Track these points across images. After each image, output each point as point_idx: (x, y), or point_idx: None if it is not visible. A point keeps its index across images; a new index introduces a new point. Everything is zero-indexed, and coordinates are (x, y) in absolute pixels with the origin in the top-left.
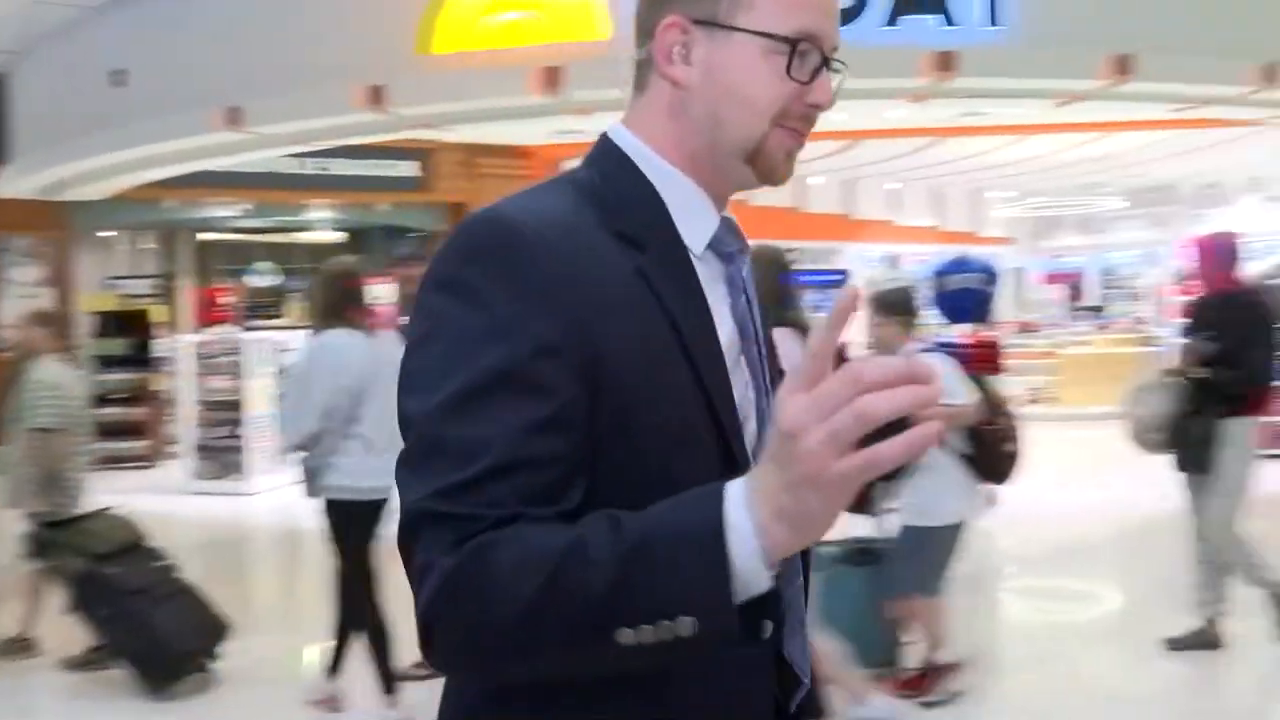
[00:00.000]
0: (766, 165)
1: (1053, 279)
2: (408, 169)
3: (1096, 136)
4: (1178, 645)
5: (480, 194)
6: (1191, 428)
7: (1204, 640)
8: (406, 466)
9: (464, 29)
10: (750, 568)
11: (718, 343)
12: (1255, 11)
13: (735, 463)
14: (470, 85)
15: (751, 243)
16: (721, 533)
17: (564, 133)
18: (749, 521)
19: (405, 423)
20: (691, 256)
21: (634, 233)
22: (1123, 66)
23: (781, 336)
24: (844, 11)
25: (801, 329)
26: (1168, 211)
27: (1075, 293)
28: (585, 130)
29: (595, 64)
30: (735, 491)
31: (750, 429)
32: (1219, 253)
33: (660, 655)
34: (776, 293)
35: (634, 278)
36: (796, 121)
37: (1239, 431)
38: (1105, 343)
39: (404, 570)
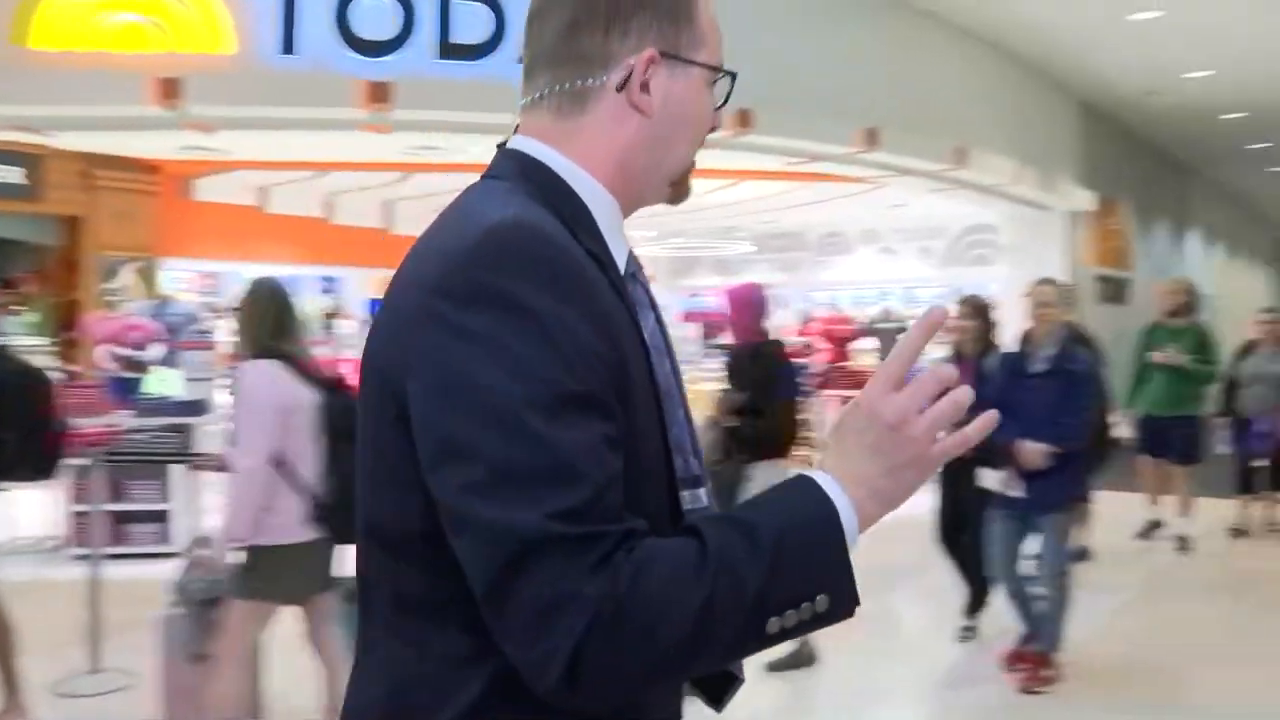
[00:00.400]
0: (685, 185)
1: (689, 317)
2: (13, 175)
3: (730, 183)
4: (776, 666)
5: (97, 208)
6: (723, 473)
7: (799, 659)
8: (488, 496)
9: (72, 25)
10: (853, 543)
11: (664, 360)
12: (862, 79)
13: (674, 478)
14: (77, 88)
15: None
16: (837, 517)
17: (191, 149)
18: (848, 505)
19: (467, 450)
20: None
21: (593, 249)
22: (744, 120)
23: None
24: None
25: (292, 360)
26: (795, 257)
27: (709, 330)
28: (215, 148)
29: (217, 79)
30: (826, 480)
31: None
32: (748, 304)
33: (796, 634)
34: (280, 324)
35: (612, 292)
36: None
37: (765, 477)
38: None
39: (493, 608)
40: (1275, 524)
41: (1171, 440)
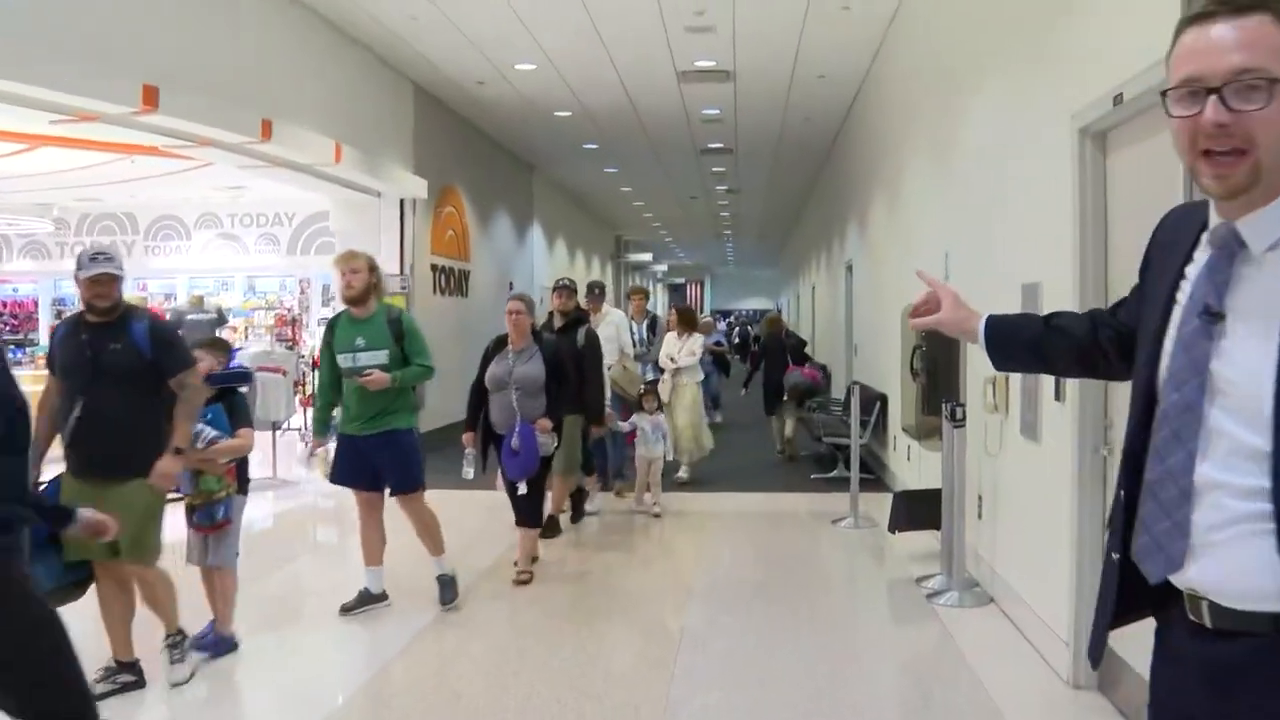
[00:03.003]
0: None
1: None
2: None
3: (23, 148)
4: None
5: None
6: None
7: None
8: None
9: None
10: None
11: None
12: (141, 31)
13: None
14: None
15: None
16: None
17: None
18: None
19: None
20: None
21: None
22: None
23: None
24: None
25: None
26: (123, 241)
27: (19, 323)
28: None
29: None
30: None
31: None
32: None
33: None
34: None
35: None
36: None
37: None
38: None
39: None
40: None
41: None
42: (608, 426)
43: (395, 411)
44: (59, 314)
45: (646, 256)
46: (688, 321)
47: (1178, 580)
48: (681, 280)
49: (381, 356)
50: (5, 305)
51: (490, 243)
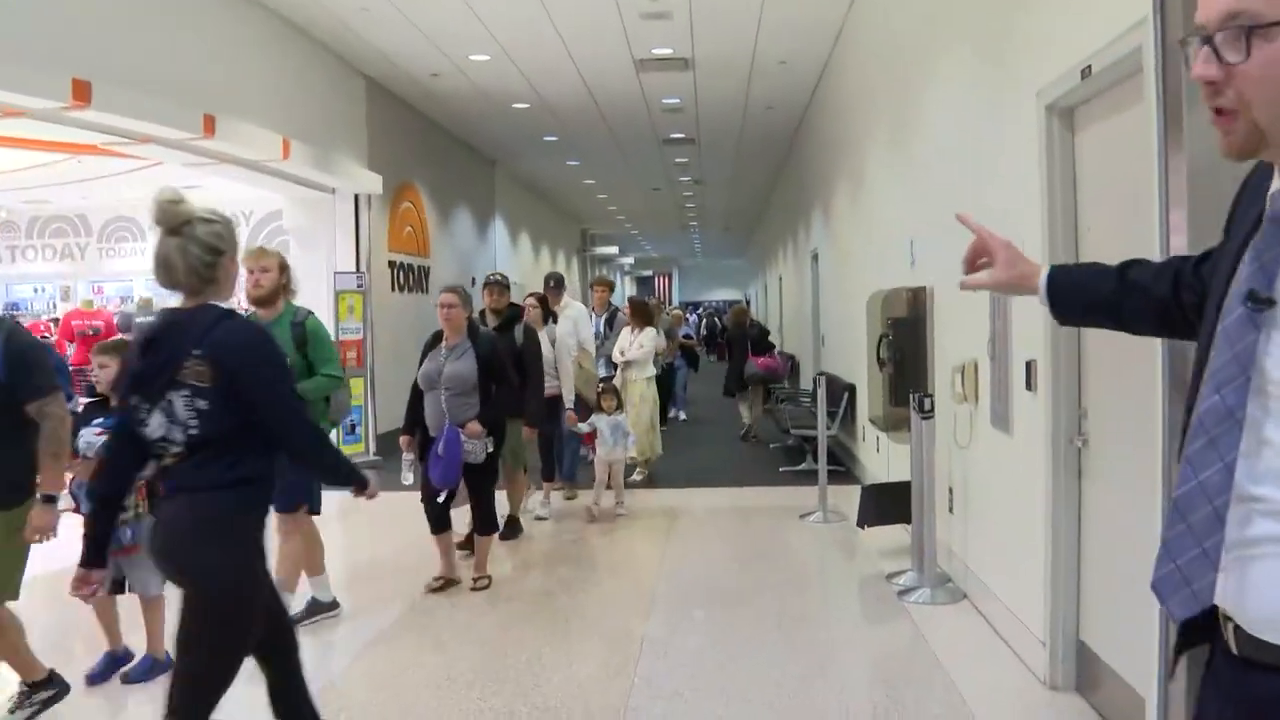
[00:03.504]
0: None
1: None
2: None
3: None
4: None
5: None
6: None
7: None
8: None
9: None
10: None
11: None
12: (68, 25)
13: None
14: None
15: None
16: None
17: None
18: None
19: None
20: None
21: None
22: None
23: None
24: None
25: None
26: (76, 244)
27: None
28: None
29: None
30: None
31: None
32: None
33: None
34: None
35: None
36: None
37: None
38: None
39: None
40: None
41: None
42: (572, 427)
43: None
44: (54, 320)
45: (613, 249)
46: (641, 314)
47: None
48: (649, 273)
49: None
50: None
51: (451, 238)
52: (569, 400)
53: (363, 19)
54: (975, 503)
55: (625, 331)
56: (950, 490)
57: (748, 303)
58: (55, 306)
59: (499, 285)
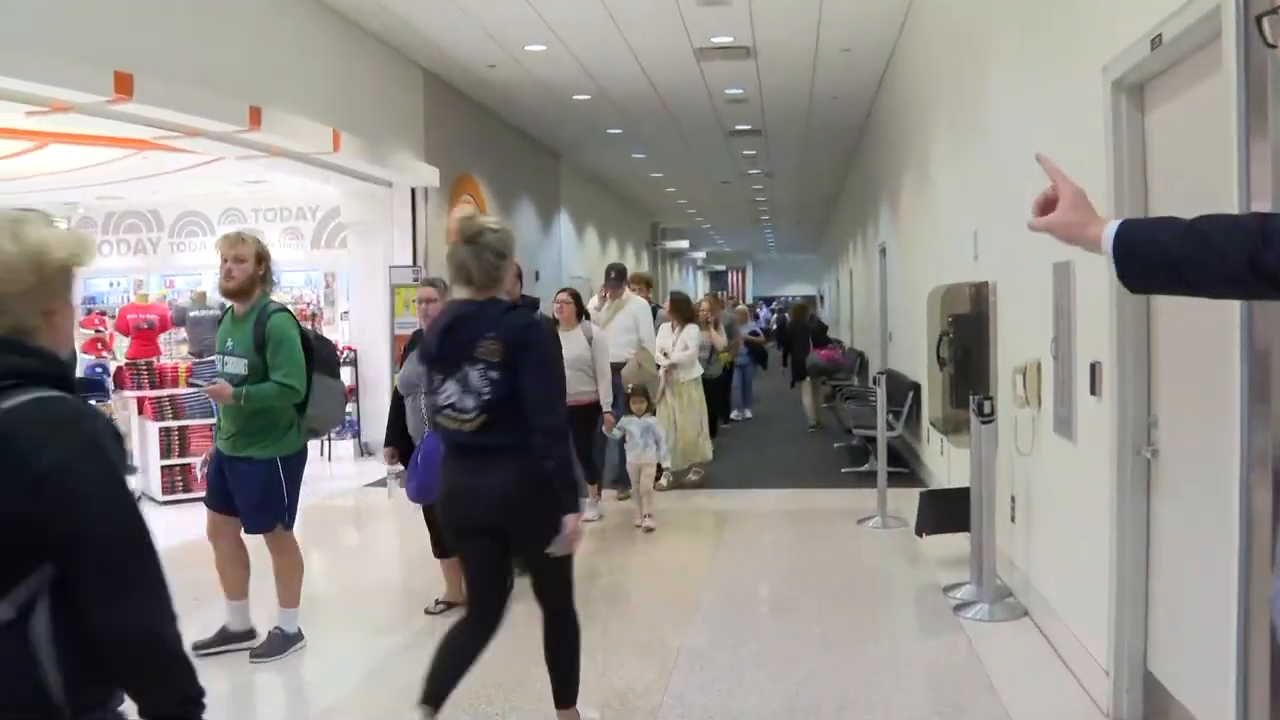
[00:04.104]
0: None
1: None
2: None
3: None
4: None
5: None
6: None
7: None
8: None
9: None
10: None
11: None
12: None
13: None
14: None
15: None
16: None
17: None
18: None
19: None
20: None
21: None
22: None
23: None
24: None
25: None
26: (149, 239)
27: None
28: None
29: None
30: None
31: None
32: None
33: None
34: None
35: None
36: None
37: None
38: None
39: None
40: None
41: None
42: (607, 431)
43: (252, 436)
44: (88, 312)
45: (684, 244)
46: (682, 311)
47: None
48: (722, 267)
49: (241, 365)
50: None
51: (513, 232)
52: (607, 404)
53: (411, 7)
54: (1038, 513)
55: (665, 329)
56: (1012, 499)
57: (821, 298)
58: (129, 300)
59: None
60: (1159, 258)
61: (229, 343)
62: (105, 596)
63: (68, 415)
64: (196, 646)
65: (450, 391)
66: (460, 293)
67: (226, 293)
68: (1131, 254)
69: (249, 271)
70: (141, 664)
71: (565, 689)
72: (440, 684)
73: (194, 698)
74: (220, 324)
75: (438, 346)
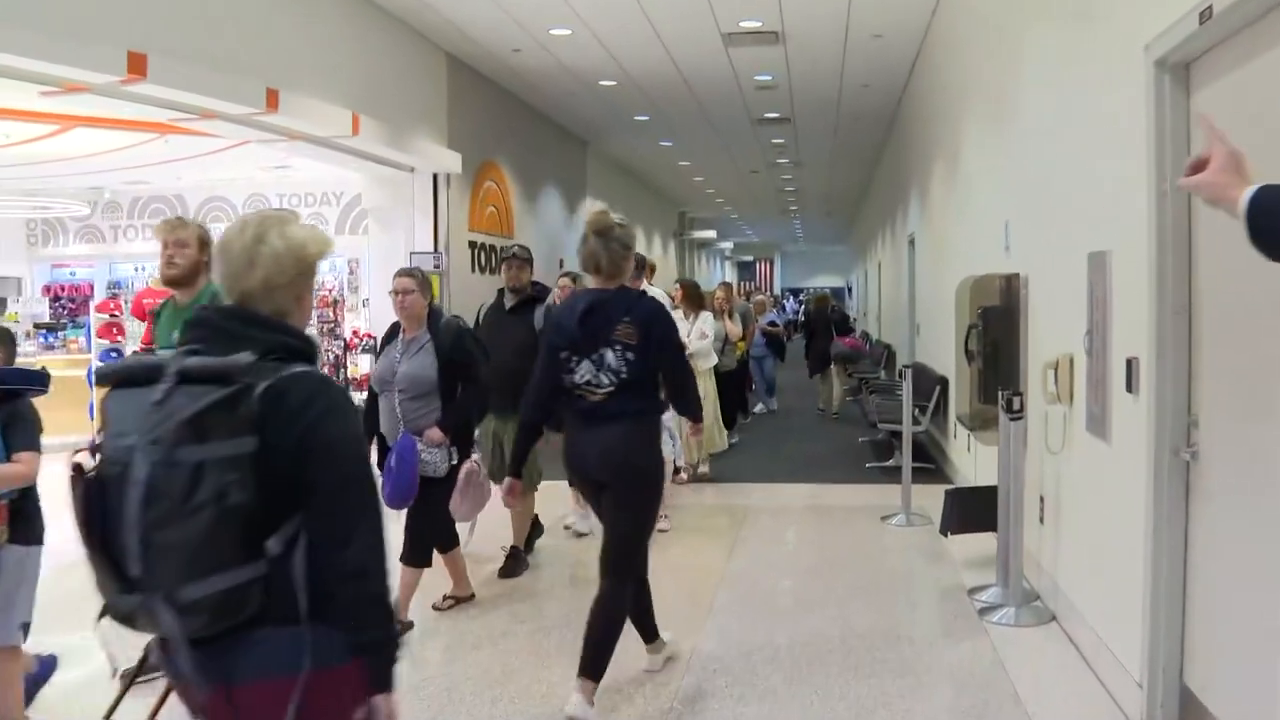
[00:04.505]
0: None
1: (48, 290)
2: None
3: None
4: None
5: None
6: None
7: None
8: None
9: None
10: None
11: None
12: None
13: None
14: None
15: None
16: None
17: None
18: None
19: None
20: None
21: None
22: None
23: None
24: None
25: None
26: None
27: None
28: None
29: None
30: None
31: None
32: None
33: None
34: None
35: None
36: None
37: None
38: (62, 364)
39: None
40: None
41: None
42: None
43: None
44: (113, 297)
45: (711, 234)
46: (694, 299)
47: None
48: (750, 258)
49: None
50: (64, 289)
51: (537, 219)
52: None
53: None
54: (1068, 514)
55: (677, 318)
56: (1041, 499)
57: (849, 290)
58: (148, 285)
59: (517, 260)
60: None
61: (174, 335)
62: (333, 534)
63: (322, 384)
64: (122, 675)
65: (585, 371)
66: (588, 281)
67: (169, 280)
68: (1261, 219)
69: (192, 257)
70: (353, 599)
71: (646, 633)
72: (595, 651)
73: (393, 640)
74: (159, 317)
75: (578, 329)
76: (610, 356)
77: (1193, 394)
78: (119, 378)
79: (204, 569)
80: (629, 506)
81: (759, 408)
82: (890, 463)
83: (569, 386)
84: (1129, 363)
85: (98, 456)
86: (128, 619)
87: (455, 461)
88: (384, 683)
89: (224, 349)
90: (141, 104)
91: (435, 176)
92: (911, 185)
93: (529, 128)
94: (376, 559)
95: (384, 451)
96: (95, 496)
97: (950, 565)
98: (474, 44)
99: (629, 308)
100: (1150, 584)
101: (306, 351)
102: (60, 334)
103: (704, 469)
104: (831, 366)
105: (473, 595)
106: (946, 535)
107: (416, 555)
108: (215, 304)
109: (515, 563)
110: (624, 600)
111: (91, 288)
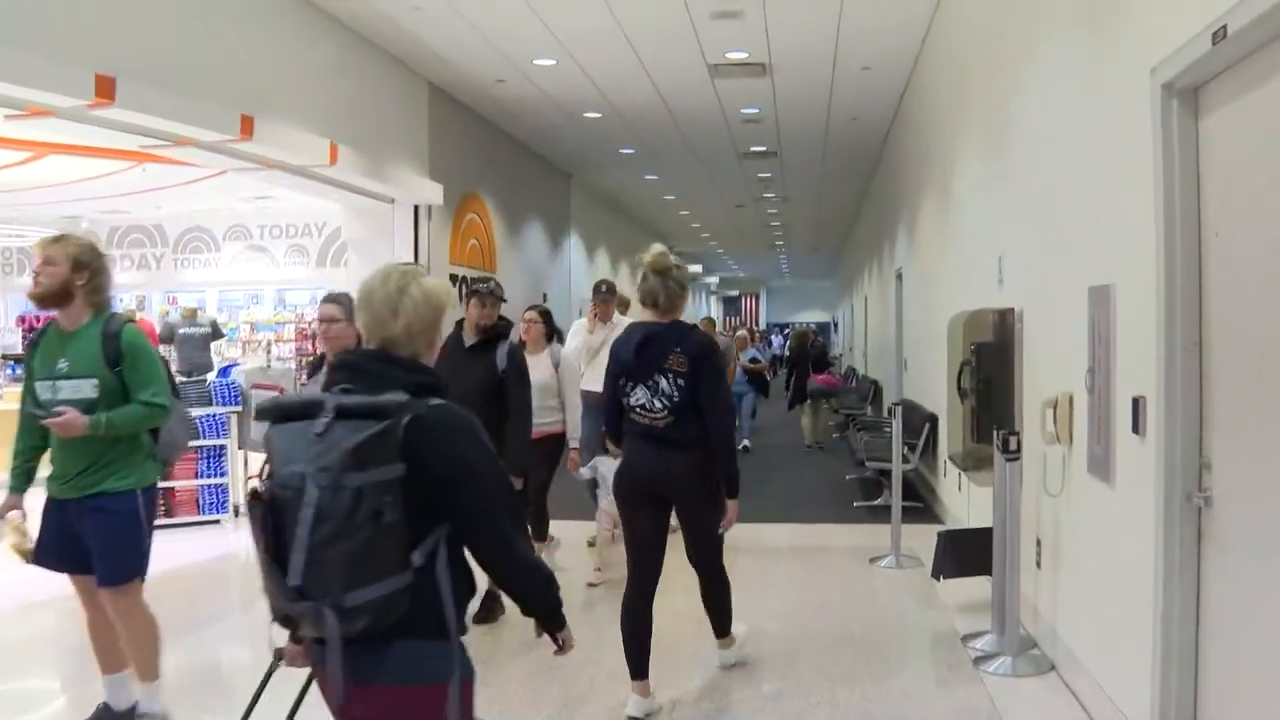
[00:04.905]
0: None
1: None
2: None
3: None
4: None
5: None
6: None
7: None
8: None
9: None
10: None
11: None
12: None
13: None
14: None
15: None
16: None
17: None
18: None
19: None
20: None
21: None
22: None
23: None
24: None
25: None
26: (153, 254)
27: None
28: None
29: None
30: None
31: None
32: None
33: None
34: None
35: None
36: None
37: None
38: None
39: None
40: None
41: None
42: (573, 471)
43: (109, 466)
44: None
45: (696, 268)
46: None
47: None
48: (735, 293)
49: (87, 387)
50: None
51: (520, 252)
52: (574, 437)
53: (416, 18)
54: (1068, 559)
55: None
56: (1038, 542)
57: (835, 325)
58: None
59: (492, 297)
60: None
61: (60, 363)
62: (488, 538)
63: (463, 416)
64: None
65: (640, 395)
66: (644, 314)
67: (34, 298)
68: None
69: (59, 276)
70: (514, 577)
71: (720, 625)
72: (638, 655)
73: (558, 600)
74: (37, 345)
75: (635, 358)
76: (664, 383)
77: (1205, 436)
78: (280, 413)
79: (363, 579)
80: (699, 514)
81: (742, 445)
82: (878, 501)
83: (626, 409)
84: (1135, 402)
85: (267, 483)
86: (290, 621)
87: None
88: (559, 623)
89: (371, 388)
90: (110, 129)
91: (416, 208)
92: (900, 218)
93: (512, 159)
94: (528, 549)
95: None
96: (269, 516)
97: (942, 610)
98: (456, 73)
99: (681, 339)
100: (1160, 635)
101: (438, 388)
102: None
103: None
104: (808, 401)
105: None
106: (939, 579)
107: None
108: (360, 350)
109: (490, 610)
110: (723, 580)
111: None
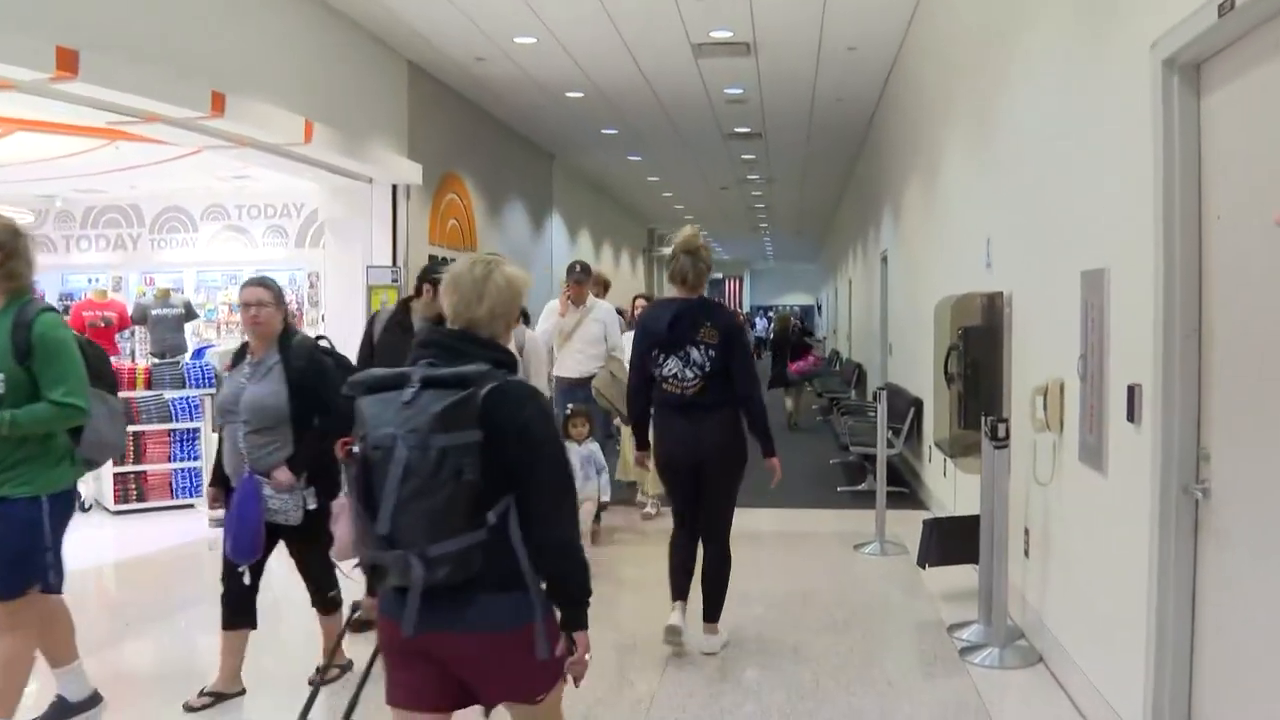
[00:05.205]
0: None
1: None
2: None
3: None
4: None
5: None
6: None
7: None
8: None
9: None
10: None
11: None
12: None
13: None
14: None
15: None
16: None
17: None
18: None
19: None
20: None
21: None
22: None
23: None
24: None
25: None
26: (129, 234)
27: None
28: None
29: None
30: None
31: None
32: None
33: None
34: None
35: None
36: None
37: None
38: None
39: None
40: None
41: None
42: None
43: (12, 470)
44: (66, 309)
45: None
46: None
47: None
48: (719, 276)
49: None
50: None
51: (502, 233)
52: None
53: None
54: (1057, 549)
55: (630, 338)
56: (1026, 531)
57: (819, 308)
58: (85, 296)
59: (437, 284)
60: None
61: None
62: (543, 513)
63: (531, 391)
64: None
65: (672, 365)
66: (671, 290)
67: None
68: None
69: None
70: (559, 562)
71: (712, 609)
72: (682, 581)
73: (588, 592)
74: None
75: (668, 331)
76: (695, 354)
77: (1203, 425)
78: (369, 386)
79: (445, 532)
80: (723, 483)
81: None
82: (862, 487)
83: (657, 379)
84: (1130, 390)
85: (361, 444)
86: (377, 570)
87: (313, 506)
88: (582, 623)
89: (453, 362)
90: (75, 104)
91: (394, 188)
92: (885, 201)
93: (493, 139)
94: (575, 531)
95: (228, 495)
96: (363, 473)
97: (928, 599)
98: (436, 51)
99: (710, 314)
100: (1155, 629)
101: (512, 365)
102: None
103: (650, 510)
104: (789, 385)
105: (350, 663)
106: (924, 568)
107: (239, 615)
108: (446, 330)
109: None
110: (727, 557)
111: (43, 299)
